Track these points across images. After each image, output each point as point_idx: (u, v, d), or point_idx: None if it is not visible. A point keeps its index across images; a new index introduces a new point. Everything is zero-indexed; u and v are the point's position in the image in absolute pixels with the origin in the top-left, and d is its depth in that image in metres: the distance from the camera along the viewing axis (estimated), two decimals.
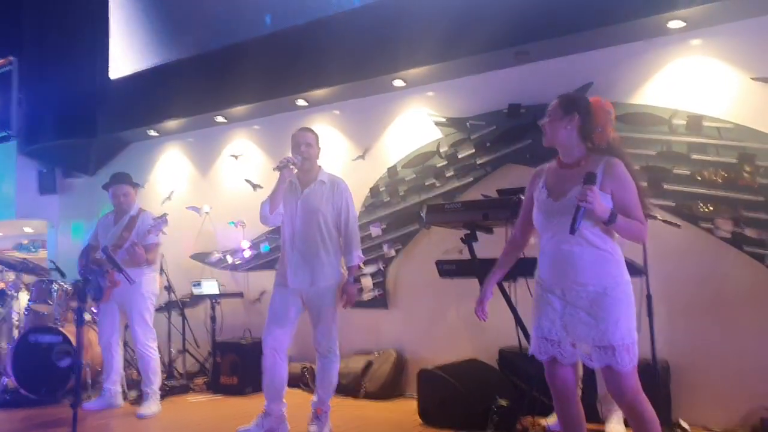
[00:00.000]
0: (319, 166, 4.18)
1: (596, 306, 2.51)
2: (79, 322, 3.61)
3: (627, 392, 2.50)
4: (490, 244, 3.68)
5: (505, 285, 3.62)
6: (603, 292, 2.51)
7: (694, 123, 4.22)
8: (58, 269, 6.21)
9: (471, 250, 3.66)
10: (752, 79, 4.11)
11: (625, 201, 2.54)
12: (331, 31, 5.64)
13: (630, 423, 2.59)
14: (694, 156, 4.23)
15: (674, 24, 4.26)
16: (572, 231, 2.48)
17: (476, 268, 3.62)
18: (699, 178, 4.20)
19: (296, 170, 4.06)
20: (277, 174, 4.00)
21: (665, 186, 4.29)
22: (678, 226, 4.12)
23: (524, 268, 3.52)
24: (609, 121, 2.77)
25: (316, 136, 4.16)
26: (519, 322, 3.52)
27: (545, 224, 2.66)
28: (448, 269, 3.75)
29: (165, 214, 4.82)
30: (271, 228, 5.66)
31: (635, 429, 2.56)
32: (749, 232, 4.02)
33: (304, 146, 4.05)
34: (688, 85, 4.31)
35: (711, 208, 4.13)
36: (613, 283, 2.53)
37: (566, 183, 2.60)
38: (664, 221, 3.97)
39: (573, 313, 2.55)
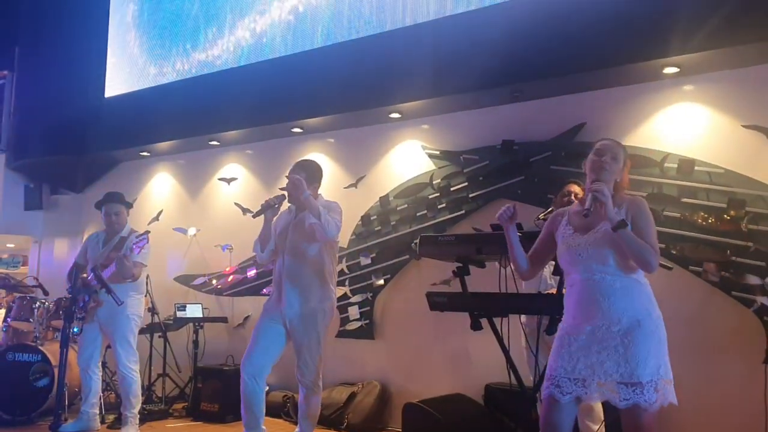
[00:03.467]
0: (319, 194, 4.16)
1: (627, 340, 2.49)
2: (64, 342, 3.52)
3: (644, 431, 2.45)
4: (482, 279, 3.67)
5: (496, 321, 3.61)
6: (636, 325, 2.50)
7: (686, 167, 4.28)
8: (41, 286, 6.10)
9: (463, 284, 3.64)
10: (743, 126, 4.19)
11: (642, 228, 2.56)
12: (329, 60, 5.68)
13: None
14: (685, 199, 4.27)
15: (668, 70, 4.33)
16: (586, 214, 2.59)
17: (467, 302, 3.60)
18: (689, 221, 4.24)
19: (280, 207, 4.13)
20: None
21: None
22: (670, 268, 4.16)
23: (517, 305, 3.54)
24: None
25: (310, 175, 4.05)
26: (509, 359, 3.50)
27: (573, 259, 2.66)
28: (439, 302, 3.70)
29: (147, 232, 4.76)
30: None
31: None
32: (737, 278, 4.05)
33: (289, 186, 4.00)
34: (680, 129, 4.38)
35: (701, 252, 4.16)
36: (646, 315, 2.53)
37: (594, 219, 2.63)
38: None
39: (600, 350, 2.52)
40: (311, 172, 4.09)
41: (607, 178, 2.69)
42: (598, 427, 3.71)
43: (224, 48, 6.54)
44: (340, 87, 5.55)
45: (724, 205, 4.14)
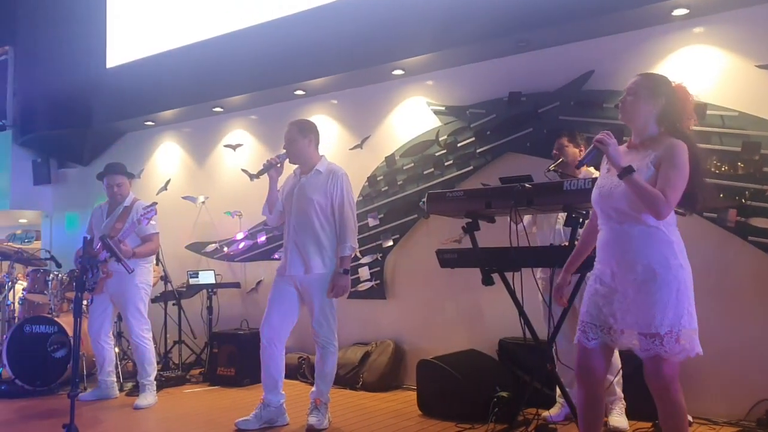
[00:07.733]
0: (321, 156, 4.18)
1: (643, 290, 2.44)
2: (77, 313, 3.54)
3: (665, 379, 2.42)
4: (493, 234, 3.63)
5: (508, 275, 3.57)
6: (652, 275, 2.44)
7: (698, 111, 4.10)
8: (53, 259, 6.14)
9: (473, 240, 3.61)
10: (756, 66, 4.06)
11: (663, 173, 2.46)
12: (329, 19, 5.56)
13: (658, 411, 2.49)
14: (698, 144, 4.16)
15: (678, 12, 4.20)
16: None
17: (478, 258, 3.57)
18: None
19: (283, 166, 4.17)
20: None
21: None
22: (683, 214, 4.07)
23: (527, 258, 3.49)
24: (691, 110, 2.64)
25: (302, 128, 4.12)
26: (522, 313, 3.47)
27: (599, 201, 2.62)
28: (449, 258, 3.68)
29: (154, 203, 4.74)
30: None
31: (662, 418, 2.49)
32: (754, 222, 3.98)
33: (286, 143, 4.11)
34: (691, 73, 4.25)
35: (715, 198, 4.07)
36: (663, 264, 2.45)
37: (629, 161, 2.52)
38: None
39: (622, 299, 2.50)
40: (303, 126, 4.15)
41: (631, 118, 2.62)
42: (615, 377, 3.69)
43: (224, 11, 6.41)
44: (341, 46, 5.45)
45: (738, 149, 4.04)
